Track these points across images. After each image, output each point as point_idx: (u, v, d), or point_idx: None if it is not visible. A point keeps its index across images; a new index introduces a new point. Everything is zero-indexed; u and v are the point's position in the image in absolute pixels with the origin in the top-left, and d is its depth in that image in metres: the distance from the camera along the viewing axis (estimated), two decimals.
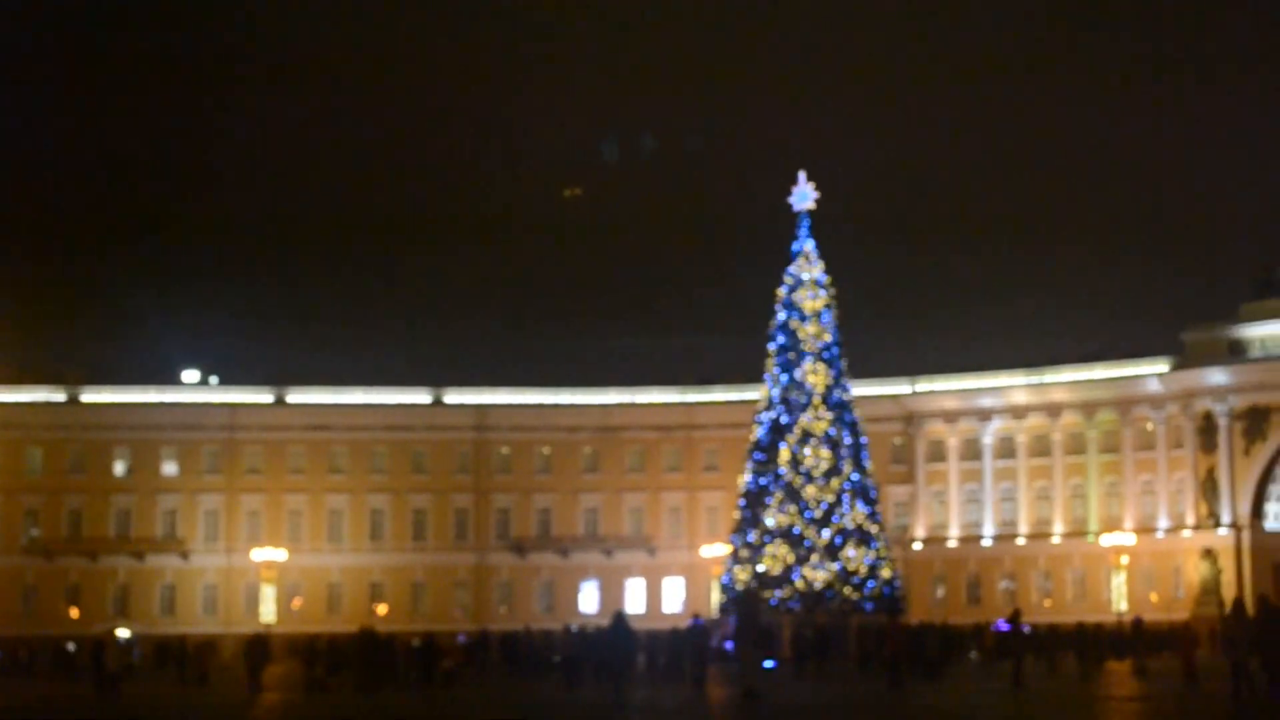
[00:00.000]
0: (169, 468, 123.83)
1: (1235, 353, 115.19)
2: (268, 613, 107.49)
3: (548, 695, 49.57)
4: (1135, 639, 70.67)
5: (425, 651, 60.23)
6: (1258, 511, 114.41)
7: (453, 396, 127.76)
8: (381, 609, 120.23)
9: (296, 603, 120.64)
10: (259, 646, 58.62)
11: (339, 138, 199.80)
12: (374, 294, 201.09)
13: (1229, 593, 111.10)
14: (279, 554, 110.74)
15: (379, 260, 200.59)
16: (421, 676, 58.18)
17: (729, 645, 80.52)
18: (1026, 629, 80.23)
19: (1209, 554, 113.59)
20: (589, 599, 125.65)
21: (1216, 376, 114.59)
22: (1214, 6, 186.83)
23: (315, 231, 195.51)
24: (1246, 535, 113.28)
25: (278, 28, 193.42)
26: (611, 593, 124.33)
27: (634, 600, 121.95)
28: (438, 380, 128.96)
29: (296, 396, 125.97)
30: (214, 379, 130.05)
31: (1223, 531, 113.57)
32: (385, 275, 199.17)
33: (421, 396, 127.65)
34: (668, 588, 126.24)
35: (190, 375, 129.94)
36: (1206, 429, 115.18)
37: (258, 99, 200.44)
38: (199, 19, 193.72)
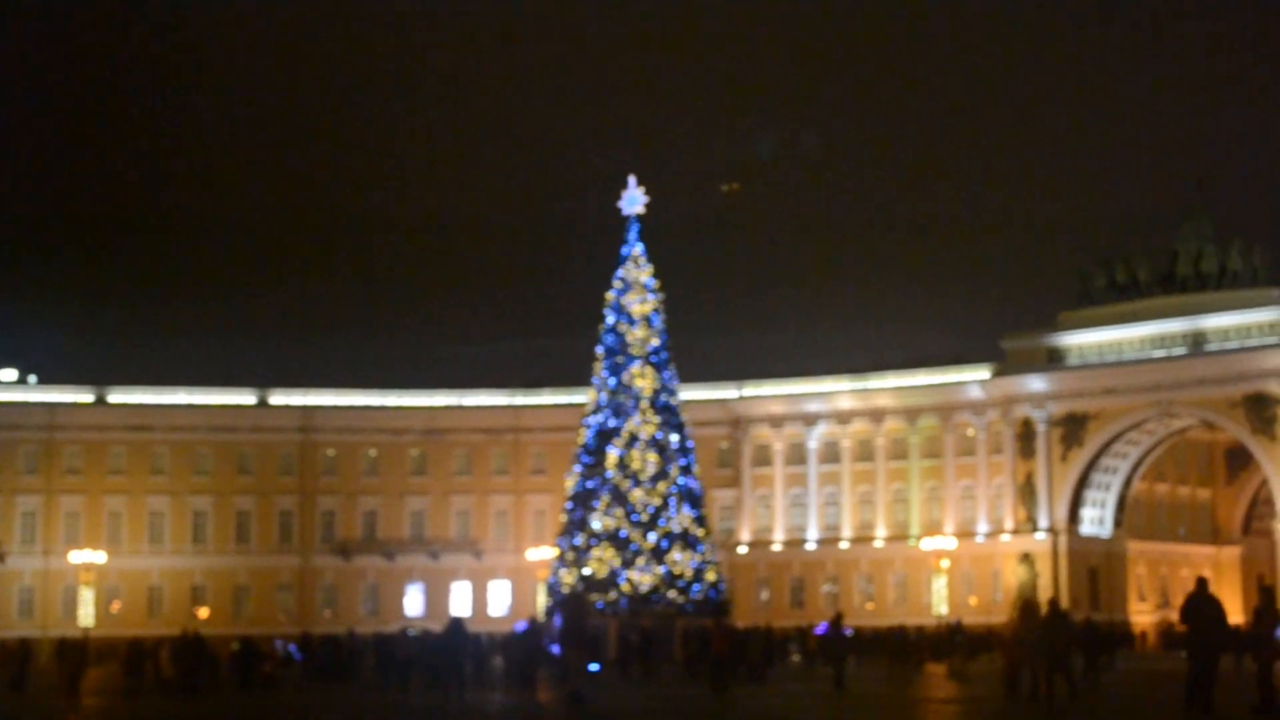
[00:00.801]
0: None
1: (1054, 360, 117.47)
2: (86, 616, 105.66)
3: (372, 700, 49.23)
4: (951, 642, 71.69)
5: (244, 655, 59.47)
6: (1074, 516, 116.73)
7: (278, 397, 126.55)
8: (203, 612, 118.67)
9: (115, 606, 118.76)
10: (74, 651, 57.52)
11: (169, 135, 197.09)
12: (199, 293, 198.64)
13: (1046, 597, 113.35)
14: (98, 556, 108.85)
15: (203, 259, 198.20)
16: (241, 681, 57.47)
17: (554, 648, 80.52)
18: (848, 632, 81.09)
19: (1026, 558, 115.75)
20: (414, 602, 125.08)
21: (1035, 384, 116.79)
22: (1029, 18, 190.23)
23: (139, 228, 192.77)
24: (1063, 540, 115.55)
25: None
26: (437, 596, 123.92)
27: (460, 603, 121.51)
28: (262, 381, 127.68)
29: (117, 396, 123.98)
30: (32, 378, 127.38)
31: (1040, 536, 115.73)
32: (210, 274, 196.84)
33: (246, 397, 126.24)
34: (494, 591, 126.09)
35: (8, 374, 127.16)
36: (1025, 435, 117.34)
37: (84, 95, 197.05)
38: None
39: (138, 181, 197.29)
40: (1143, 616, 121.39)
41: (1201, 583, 31.33)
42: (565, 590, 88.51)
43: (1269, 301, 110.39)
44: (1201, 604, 30.59)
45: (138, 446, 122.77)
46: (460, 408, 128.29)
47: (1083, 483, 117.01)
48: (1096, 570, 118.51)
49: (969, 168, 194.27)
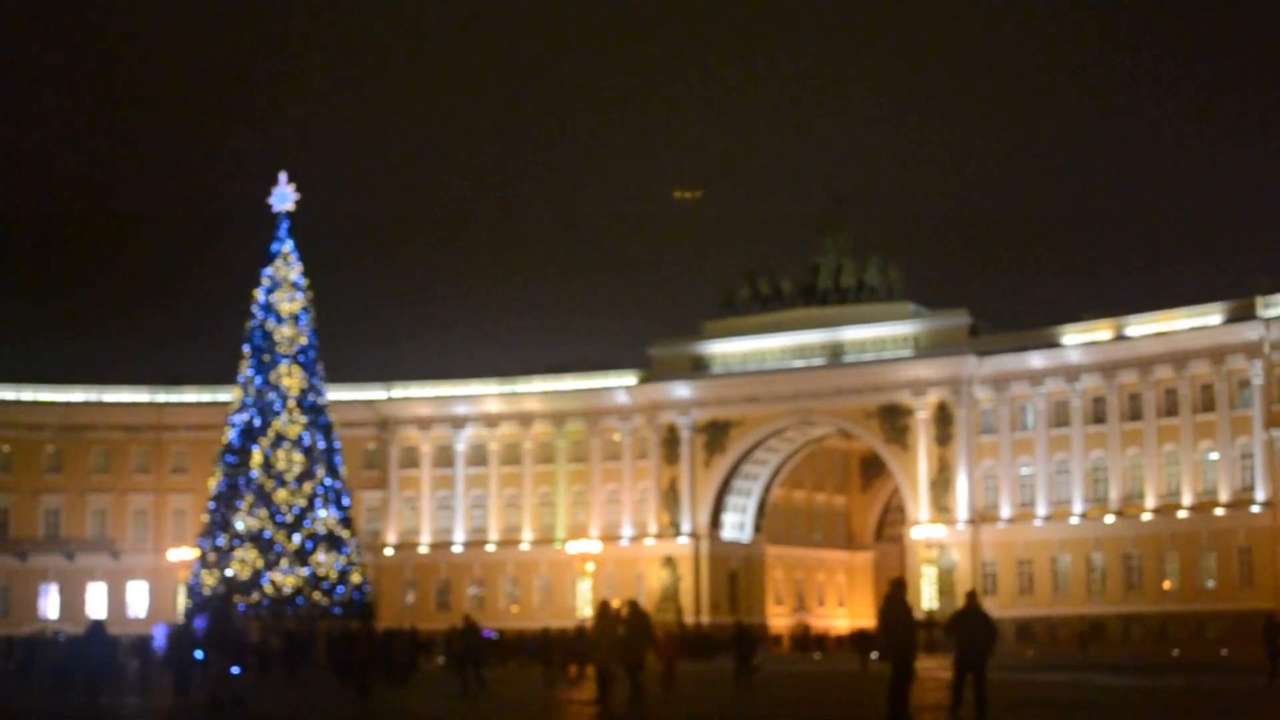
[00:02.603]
0: None
1: (698, 368, 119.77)
2: None
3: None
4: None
5: None
6: (716, 522, 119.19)
7: None
8: None
9: None
10: None
11: None
12: None
13: (687, 599, 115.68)
14: None
15: None
16: None
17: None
18: (490, 634, 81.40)
19: (669, 562, 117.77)
20: (49, 603, 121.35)
21: (680, 391, 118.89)
22: (680, 25, 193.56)
23: None
24: (705, 544, 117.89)
25: None
26: (73, 597, 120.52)
27: (96, 605, 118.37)
28: None
29: None
30: None
31: (683, 540, 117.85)
32: None
33: None
34: (132, 592, 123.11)
35: None
36: (670, 441, 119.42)
37: None
38: None
39: None
40: (780, 619, 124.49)
41: (898, 584, 31.34)
42: (207, 592, 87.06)
43: (904, 316, 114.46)
44: (900, 606, 30.61)
45: None
46: (99, 404, 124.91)
47: (725, 488, 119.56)
48: (736, 574, 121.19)
49: (617, 176, 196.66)
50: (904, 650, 30.17)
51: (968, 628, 31.63)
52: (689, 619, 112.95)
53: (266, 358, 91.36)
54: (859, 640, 76.55)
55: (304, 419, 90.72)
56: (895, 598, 30.56)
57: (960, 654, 31.79)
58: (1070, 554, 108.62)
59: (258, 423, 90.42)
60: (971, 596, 32.47)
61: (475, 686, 48.91)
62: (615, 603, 43.05)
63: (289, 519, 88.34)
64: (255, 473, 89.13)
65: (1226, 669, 58.64)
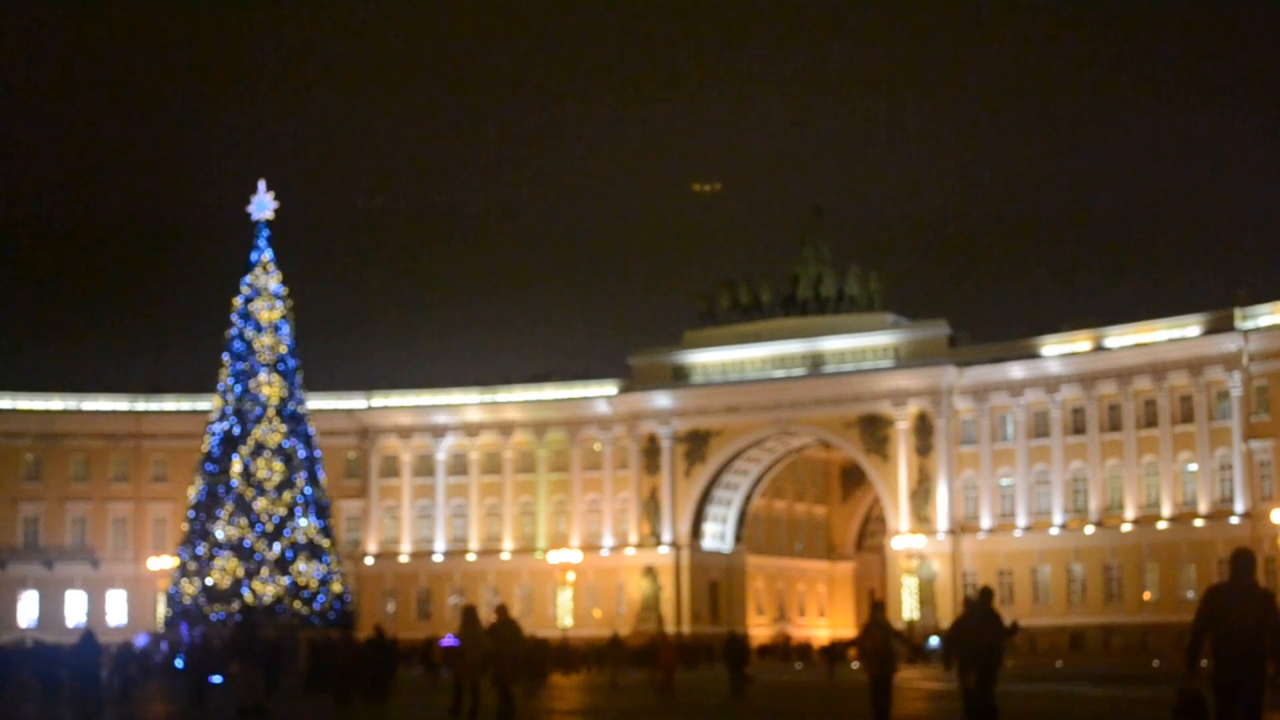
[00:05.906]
0: None
1: (679, 378, 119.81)
2: None
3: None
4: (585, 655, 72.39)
5: None
6: (696, 531, 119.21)
7: None
8: None
9: None
10: None
11: None
12: None
13: (668, 609, 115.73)
14: None
15: None
16: None
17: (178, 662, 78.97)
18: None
19: (650, 572, 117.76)
20: (28, 611, 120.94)
21: (661, 400, 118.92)
22: (652, 39, 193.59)
23: None
24: (685, 554, 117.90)
25: None
26: (52, 606, 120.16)
27: (75, 613, 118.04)
28: None
29: None
30: None
31: (663, 550, 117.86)
32: None
33: None
34: (112, 601, 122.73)
35: None
36: (650, 451, 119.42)
37: None
38: None
39: None
40: (760, 629, 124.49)
41: (878, 608, 30.68)
42: (186, 601, 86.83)
43: (883, 326, 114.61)
44: (881, 631, 29.83)
45: None
46: (79, 412, 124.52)
47: (705, 498, 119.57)
48: (717, 584, 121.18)
49: (597, 187, 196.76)
50: (885, 675, 30.09)
51: (973, 634, 27.08)
52: (669, 629, 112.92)
53: (246, 366, 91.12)
54: (829, 650, 77.08)
55: (284, 428, 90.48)
56: (875, 623, 30.21)
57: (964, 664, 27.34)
58: (1050, 564, 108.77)
59: (237, 431, 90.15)
60: (985, 593, 27.82)
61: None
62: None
63: (269, 528, 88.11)
64: (235, 481, 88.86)
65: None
